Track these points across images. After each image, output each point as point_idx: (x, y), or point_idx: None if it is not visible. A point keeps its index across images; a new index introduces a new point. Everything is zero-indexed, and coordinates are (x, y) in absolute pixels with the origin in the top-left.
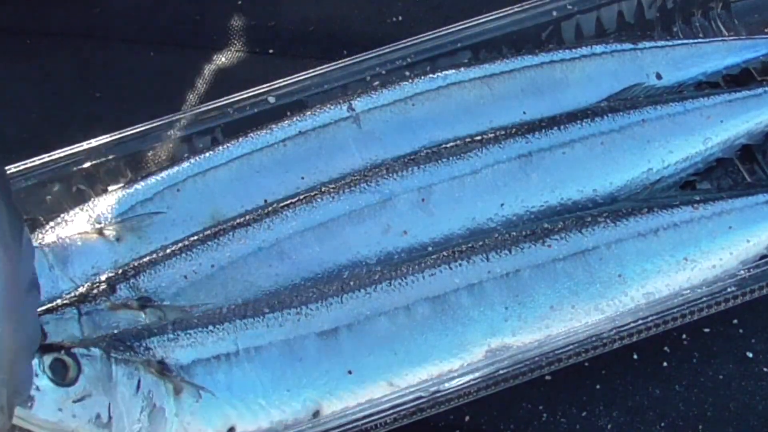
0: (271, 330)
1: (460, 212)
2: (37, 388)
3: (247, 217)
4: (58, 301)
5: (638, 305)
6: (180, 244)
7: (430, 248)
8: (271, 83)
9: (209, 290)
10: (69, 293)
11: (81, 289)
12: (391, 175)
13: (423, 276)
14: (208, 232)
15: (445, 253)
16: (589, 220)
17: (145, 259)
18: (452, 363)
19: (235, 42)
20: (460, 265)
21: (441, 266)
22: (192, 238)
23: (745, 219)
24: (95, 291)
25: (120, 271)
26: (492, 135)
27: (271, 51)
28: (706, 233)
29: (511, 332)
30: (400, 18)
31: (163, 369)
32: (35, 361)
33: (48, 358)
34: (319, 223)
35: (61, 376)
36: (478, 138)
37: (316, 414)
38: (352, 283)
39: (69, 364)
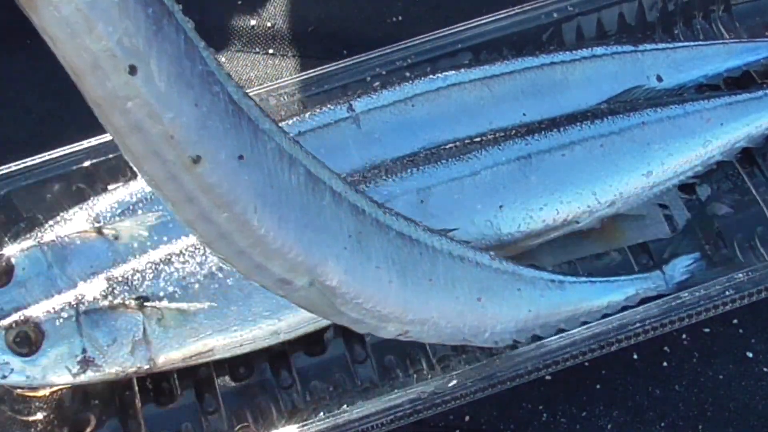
0: None
1: (459, 214)
2: None
3: None
4: (56, 299)
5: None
6: (177, 247)
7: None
8: (271, 83)
9: (210, 293)
10: (67, 292)
11: (79, 288)
12: (390, 176)
13: None
14: None
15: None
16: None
17: (143, 259)
18: None
19: (235, 42)
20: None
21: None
22: (189, 242)
23: (529, 289)
24: (93, 290)
25: (118, 271)
26: (491, 136)
27: (271, 51)
28: (500, 283)
29: None
30: (400, 18)
31: None
32: None
33: None
34: None
35: None
36: (477, 139)
37: None
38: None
39: None
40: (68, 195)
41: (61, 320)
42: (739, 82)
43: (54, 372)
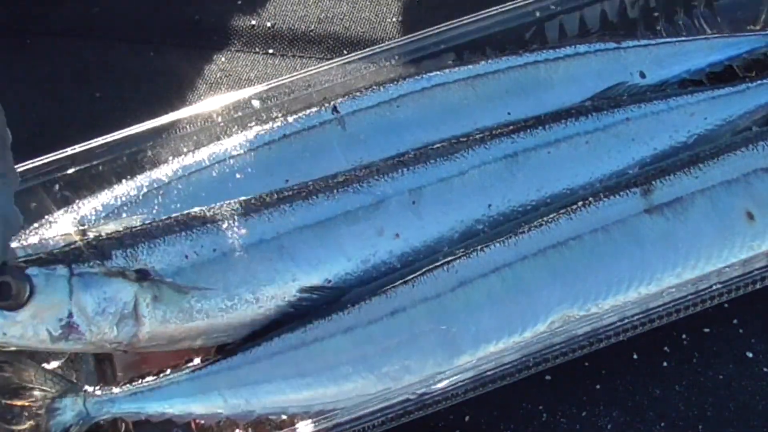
0: None
1: (450, 214)
2: None
3: (246, 205)
4: (49, 254)
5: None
6: (182, 221)
7: (421, 252)
8: (255, 86)
9: (209, 275)
10: (60, 247)
11: (77, 247)
12: (381, 176)
13: None
14: (209, 213)
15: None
16: None
17: (145, 230)
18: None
19: (235, 42)
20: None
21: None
22: (194, 216)
23: None
24: (92, 253)
25: (117, 237)
26: (478, 136)
27: (271, 51)
28: None
29: None
30: (400, 18)
31: None
32: None
33: None
34: (316, 221)
35: None
36: (464, 139)
37: None
38: None
39: None
40: (53, 203)
41: (54, 278)
42: (722, 77)
43: (34, 332)
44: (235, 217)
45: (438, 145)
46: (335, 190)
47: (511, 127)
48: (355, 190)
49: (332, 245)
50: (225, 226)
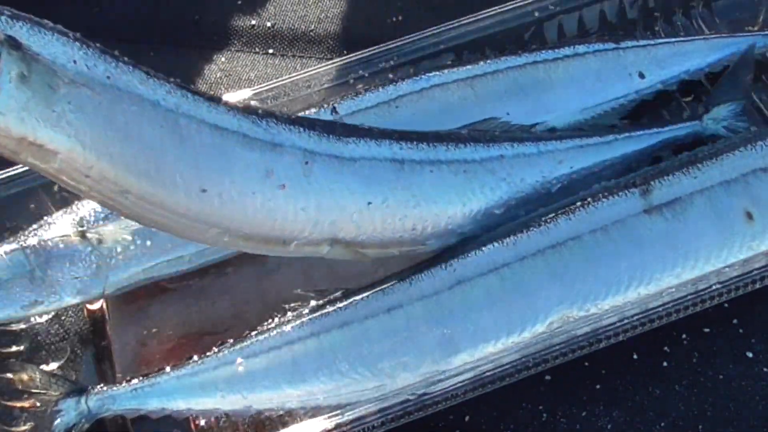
0: None
1: (335, 192)
2: None
3: (156, 74)
4: None
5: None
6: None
7: (294, 223)
8: (252, 87)
9: (92, 90)
10: None
11: None
12: (279, 123)
13: None
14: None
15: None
16: None
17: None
18: None
19: (235, 42)
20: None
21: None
22: None
23: None
24: None
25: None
26: (366, 128)
27: (271, 51)
28: None
29: None
30: (400, 18)
31: None
32: None
33: None
34: (215, 124)
35: None
36: (357, 128)
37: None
38: None
39: None
40: (52, 204)
41: None
42: (721, 77)
43: None
44: (142, 73)
45: (326, 120)
46: (236, 111)
47: (398, 134)
48: (254, 122)
49: (223, 158)
50: (128, 69)
